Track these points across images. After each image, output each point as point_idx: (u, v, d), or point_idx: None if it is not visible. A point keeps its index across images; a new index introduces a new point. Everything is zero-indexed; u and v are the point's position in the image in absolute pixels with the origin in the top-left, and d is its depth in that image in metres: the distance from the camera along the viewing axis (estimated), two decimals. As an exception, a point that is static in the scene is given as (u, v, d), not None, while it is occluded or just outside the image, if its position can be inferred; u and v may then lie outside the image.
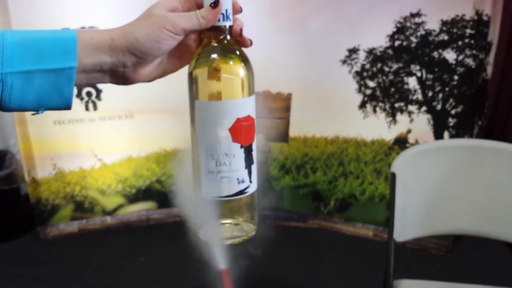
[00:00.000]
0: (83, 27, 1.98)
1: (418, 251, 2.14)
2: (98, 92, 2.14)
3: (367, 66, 2.05)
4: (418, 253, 2.13)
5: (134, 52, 0.49)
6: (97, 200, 2.34)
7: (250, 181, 0.57)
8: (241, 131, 0.54)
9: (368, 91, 2.09)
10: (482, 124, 2.14)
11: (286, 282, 1.96)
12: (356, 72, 2.08)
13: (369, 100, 2.10)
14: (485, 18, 1.80)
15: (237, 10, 0.55)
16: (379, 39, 1.99)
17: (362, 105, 2.12)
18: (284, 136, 2.29)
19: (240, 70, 0.55)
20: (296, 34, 2.10)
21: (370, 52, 2.02)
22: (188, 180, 0.59)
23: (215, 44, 0.55)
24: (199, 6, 0.53)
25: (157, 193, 2.43)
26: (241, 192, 0.56)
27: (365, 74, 2.07)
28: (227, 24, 0.53)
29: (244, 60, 0.55)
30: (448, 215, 1.26)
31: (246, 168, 0.56)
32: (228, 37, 0.55)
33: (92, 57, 0.48)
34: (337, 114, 2.19)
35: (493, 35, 1.90)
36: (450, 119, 1.97)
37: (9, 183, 2.20)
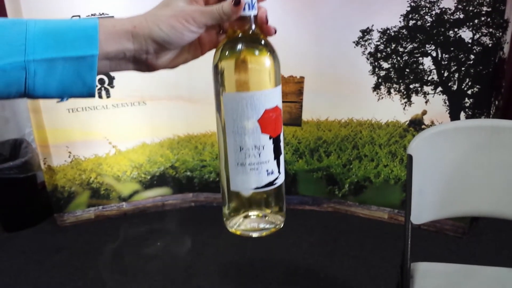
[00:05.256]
0: (93, 14, 1.97)
1: (434, 233, 2.13)
2: (111, 79, 2.14)
3: (381, 47, 2.02)
4: (434, 235, 2.12)
5: (156, 40, 0.49)
6: (113, 187, 2.36)
7: (279, 172, 0.56)
8: (270, 122, 0.53)
9: (382, 73, 2.06)
10: (499, 104, 2.10)
11: (301, 266, 1.96)
12: (370, 54, 2.04)
13: (383, 82, 2.07)
14: (502, -6, 1.76)
15: None
16: (393, 19, 1.95)
17: (376, 87, 2.09)
18: (297, 120, 2.28)
19: (267, 60, 0.54)
20: (308, 16, 2.07)
21: (384, 32, 1.99)
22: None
23: (240, 35, 0.53)
24: None
25: (172, 179, 2.44)
26: (271, 183, 0.55)
27: (379, 55, 2.04)
28: (252, 13, 0.52)
29: (270, 50, 0.54)
30: (465, 196, 1.24)
31: (275, 159, 0.55)
32: (253, 26, 0.53)
33: (114, 45, 0.48)
34: (351, 97, 2.16)
35: (510, 12, 1.85)
36: (466, 100, 1.94)
37: (25, 171, 2.22)
